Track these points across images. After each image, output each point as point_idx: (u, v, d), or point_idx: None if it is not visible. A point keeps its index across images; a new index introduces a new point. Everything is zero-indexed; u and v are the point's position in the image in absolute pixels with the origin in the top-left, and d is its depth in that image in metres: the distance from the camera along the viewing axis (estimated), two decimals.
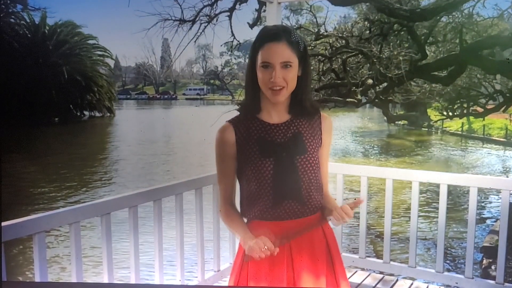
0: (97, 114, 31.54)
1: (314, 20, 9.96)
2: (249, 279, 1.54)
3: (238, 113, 1.62)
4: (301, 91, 1.55)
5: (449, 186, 3.06)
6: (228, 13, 9.16)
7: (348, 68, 8.64)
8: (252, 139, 1.55)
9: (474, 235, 3.05)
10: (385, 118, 21.80)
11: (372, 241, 6.88)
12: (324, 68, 8.83)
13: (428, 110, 23.54)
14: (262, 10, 9.47)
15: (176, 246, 2.64)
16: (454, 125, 23.25)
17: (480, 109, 14.27)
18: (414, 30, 7.84)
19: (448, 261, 6.68)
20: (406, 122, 25.78)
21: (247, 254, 1.47)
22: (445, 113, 16.83)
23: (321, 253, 1.58)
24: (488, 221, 8.75)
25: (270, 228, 1.54)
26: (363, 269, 3.50)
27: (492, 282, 3.00)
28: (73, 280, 2.07)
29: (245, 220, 1.63)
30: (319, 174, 1.59)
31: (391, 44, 8.83)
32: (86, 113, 31.27)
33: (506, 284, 2.91)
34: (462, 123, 22.59)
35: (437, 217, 3.15)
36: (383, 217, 3.36)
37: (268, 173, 1.51)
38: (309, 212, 1.56)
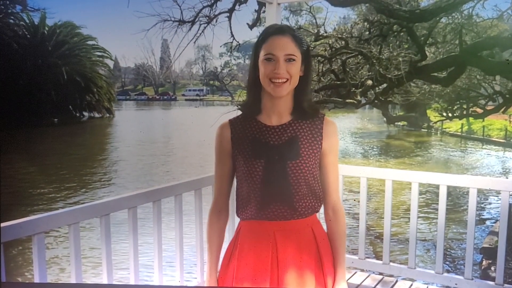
0: (97, 115, 31.57)
1: (314, 21, 9.95)
2: (234, 279, 1.55)
3: (238, 112, 1.63)
4: (301, 91, 1.55)
5: (448, 187, 3.06)
6: (228, 14, 9.16)
7: (347, 69, 8.63)
8: (246, 140, 1.55)
9: (474, 236, 3.05)
10: (385, 119, 21.93)
11: (372, 242, 6.88)
12: (324, 69, 8.82)
13: (428, 111, 23.59)
14: (261, 11, 9.47)
15: (176, 247, 2.63)
16: (454, 126, 23.26)
17: (479, 110, 14.28)
18: (414, 31, 7.83)
19: (447, 262, 6.68)
20: (405, 123, 25.81)
21: None
22: (444, 114, 16.86)
23: (309, 254, 1.56)
24: (487, 222, 8.75)
25: (259, 227, 1.55)
26: (362, 270, 3.51)
27: (491, 283, 3.00)
28: (72, 281, 2.07)
29: (239, 219, 1.65)
30: (314, 181, 1.56)
31: (391, 45, 8.83)
32: (86, 113, 31.30)
33: (506, 285, 2.91)
34: (462, 124, 22.61)
35: (437, 218, 3.15)
36: (383, 218, 3.36)
37: (257, 174, 1.51)
38: (298, 215, 1.55)
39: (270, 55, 1.48)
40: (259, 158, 1.51)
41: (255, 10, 10.12)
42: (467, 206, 3.06)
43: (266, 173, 1.51)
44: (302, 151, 1.53)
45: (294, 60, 1.48)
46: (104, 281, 2.22)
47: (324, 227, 1.67)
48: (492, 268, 5.42)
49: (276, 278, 1.51)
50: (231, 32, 9.61)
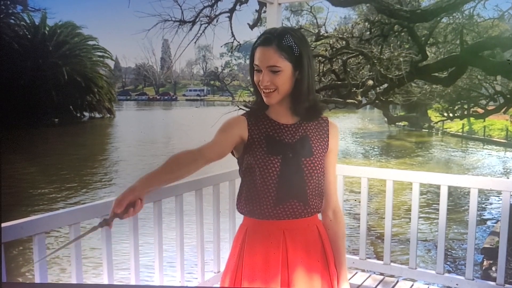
0: (97, 115, 31.55)
1: (315, 21, 9.97)
2: (244, 280, 1.54)
3: (240, 112, 1.63)
4: (297, 95, 1.55)
5: (449, 187, 3.06)
6: (228, 14, 9.17)
7: (348, 69, 8.65)
8: (262, 135, 1.56)
9: (475, 236, 3.04)
10: (386, 119, 21.88)
11: (373, 242, 6.88)
12: (325, 69, 8.84)
13: (429, 111, 23.57)
14: (262, 11, 9.48)
15: (176, 247, 2.63)
16: (455, 126, 23.25)
17: (480, 110, 14.30)
18: (415, 31, 7.84)
19: (448, 263, 6.67)
20: (406, 123, 25.79)
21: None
22: (445, 114, 16.88)
23: (316, 253, 1.58)
24: (488, 223, 8.74)
25: (269, 227, 1.55)
26: (363, 271, 3.50)
27: (492, 283, 2.99)
28: (73, 281, 2.07)
29: (242, 216, 1.63)
30: (323, 179, 1.60)
31: (392, 45, 8.84)
32: (86, 114, 31.28)
33: (507, 285, 2.90)
34: (463, 124, 22.60)
35: (438, 219, 3.15)
36: (384, 218, 3.35)
37: (274, 170, 1.52)
38: (307, 213, 1.57)
39: (256, 66, 1.52)
40: (276, 154, 1.53)
41: (256, 10, 10.14)
42: (468, 206, 3.06)
43: (283, 169, 1.52)
44: (314, 149, 1.57)
45: (279, 71, 1.49)
46: (105, 281, 2.22)
47: None
48: (493, 269, 5.42)
49: (286, 278, 1.52)
50: (232, 32, 9.63)
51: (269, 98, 1.52)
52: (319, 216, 1.65)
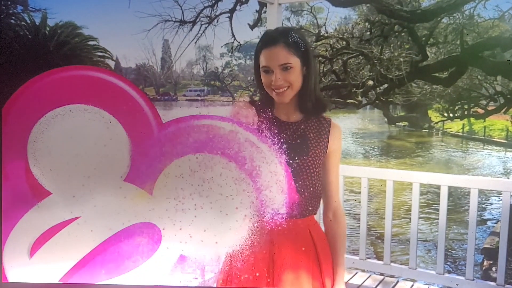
0: None
1: (315, 21, 9.99)
2: (233, 280, 1.52)
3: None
4: (304, 90, 1.54)
5: (449, 187, 3.06)
6: (229, 14, 9.19)
7: (348, 69, 8.65)
8: (264, 128, 1.52)
9: (475, 236, 3.05)
10: (386, 119, 21.90)
11: (373, 242, 6.87)
12: (325, 69, 8.83)
13: (429, 112, 23.58)
14: (262, 11, 9.49)
15: None
16: (455, 126, 23.25)
17: (481, 111, 14.32)
18: (415, 31, 7.85)
19: (448, 263, 6.67)
20: (406, 123, 25.78)
21: None
22: (445, 114, 16.89)
23: (306, 256, 1.54)
24: (488, 223, 8.73)
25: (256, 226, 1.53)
26: (363, 271, 3.51)
27: (492, 283, 3.00)
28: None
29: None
30: (318, 180, 1.57)
31: (392, 45, 8.85)
32: None
33: (507, 285, 2.91)
34: (463, 125, 22.59)
35: (438, 219, 3.15)
36: (384, 218, 3.36)
37: None
38: (298, 215, 1.53)
39: (266, 67, 1.49)
40: None
41: (256, 11, 10.17)
42: (468, 206, 3.06)
43: None
44: (311, 149, 1.55)
45: (290, 67, 1.48)
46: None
47: (322, 227, 1.66)
48: (493, 269, 5.41)
49: (272, 279, 1.50)
50: (232, 33, 9.66)
51: (283, 96, 1.50)
52: (317, 217, 1.64)
